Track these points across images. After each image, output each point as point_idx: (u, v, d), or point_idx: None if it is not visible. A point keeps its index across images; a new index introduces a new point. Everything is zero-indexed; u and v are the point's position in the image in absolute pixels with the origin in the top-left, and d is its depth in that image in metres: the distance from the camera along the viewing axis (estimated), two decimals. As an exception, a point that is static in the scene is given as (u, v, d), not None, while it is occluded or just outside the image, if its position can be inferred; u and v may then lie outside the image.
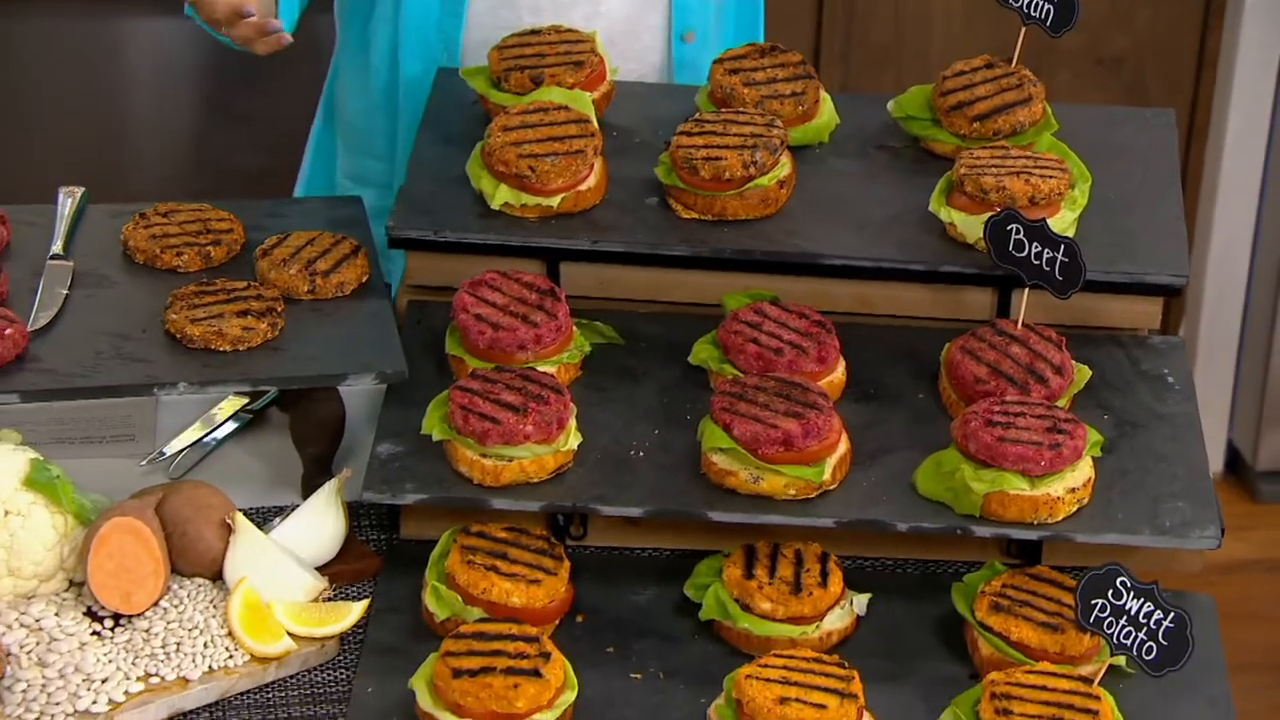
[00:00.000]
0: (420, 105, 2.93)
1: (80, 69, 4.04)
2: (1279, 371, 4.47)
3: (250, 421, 2.73)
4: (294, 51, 2.76)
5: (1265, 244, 4.44)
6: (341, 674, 2.40)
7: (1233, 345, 4.55)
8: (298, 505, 2.53)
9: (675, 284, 2.68)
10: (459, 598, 2.41)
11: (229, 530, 2.44)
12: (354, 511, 2.57)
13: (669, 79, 3.01)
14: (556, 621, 2.44)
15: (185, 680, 2.33)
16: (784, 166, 2.65)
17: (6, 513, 2.40)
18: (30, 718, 2.26)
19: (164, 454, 2.65)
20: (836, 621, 2.44)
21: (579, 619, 2.47)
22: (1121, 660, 2.37)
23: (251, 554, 2.43)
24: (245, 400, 2.74)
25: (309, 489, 2.58)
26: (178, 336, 2.52)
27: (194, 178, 4.13)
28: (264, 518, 2.54)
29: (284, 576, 2.44)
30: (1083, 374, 2.55)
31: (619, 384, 2.60)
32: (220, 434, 2.70)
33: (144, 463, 2.65)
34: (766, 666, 2.31)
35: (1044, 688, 2.28)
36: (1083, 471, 2.43)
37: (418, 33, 2.94)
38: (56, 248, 2.65)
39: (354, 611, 2.42)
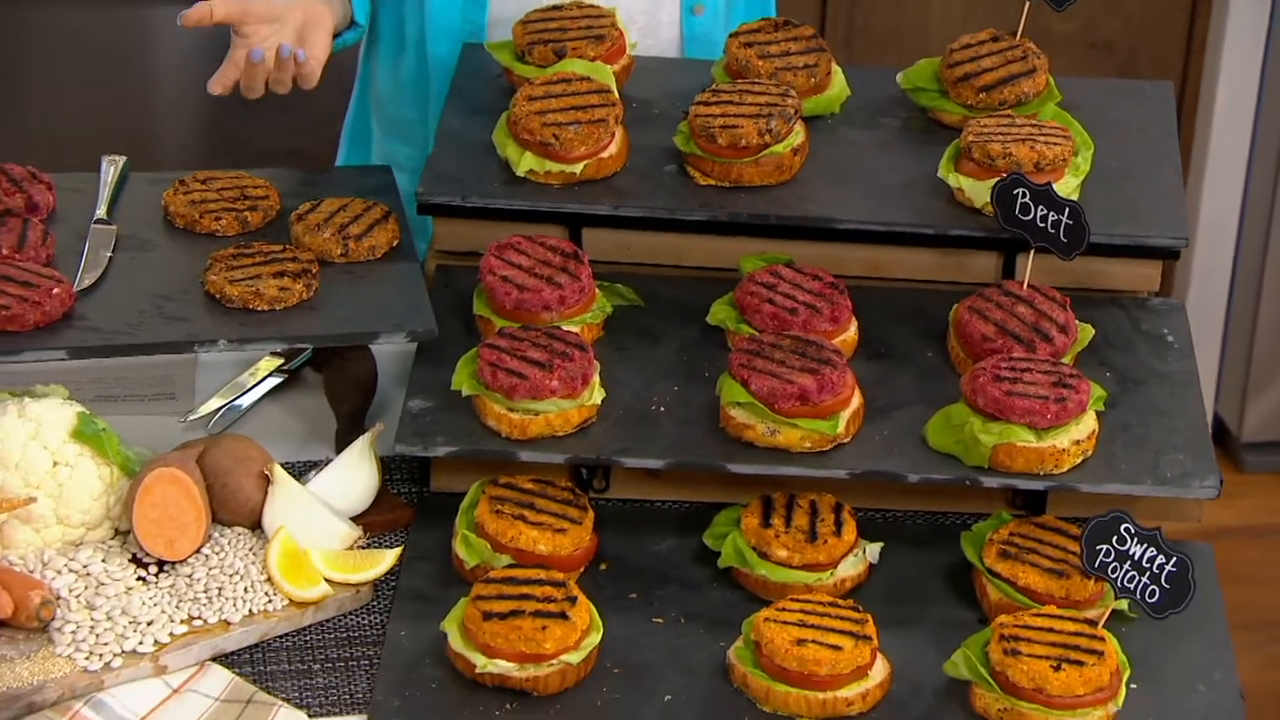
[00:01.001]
0: (447, 87, 2.93)
1: (112, 57, 4.05)
2: (1263, 347, 4.48)
3: (285, 381, 2.74)
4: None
5: (1251, 222, 4.44)
6: (376, 618, 2.40)
7: (1219, 321, 4.56)
8: (332, 460, 2.54)
9: (693, 248, 2.68)
10: (488, 545, 2.41)
11: (267, 481, 2.45)
12: (386, 466, 2.58)
13: (680, 53, 3.01)
14: (581, 569, 2.45)
15: (227, 623, 2.34)
16: (798, 135, 2.65)
17: (55, 463, 2.40)
18: (80, 657, 2.27)
19: (203, 412, 2.66)
20: (850, 569, 2.44)
21: (602, 567, 2.47)
22: (1124, 605, 2.37)
23: (289, 504, 2.44)
24: (280, 361, 2.74)
25: (343, 444, 2.58)
26: (217, 297, 2.53)
27: (227, 164, 4.13)
28: (299, 471, 2.54)
29: (320, 525, 2.44)
30: (1086, 333, 2.56)
31: (639, 343, 2.60)
32: (257, 393, 2.71)
33: (184, 420, 2.65)
34: (784, 610, 2.32)
35: (1050, 630, 2.29)
36: (1087, 424, 2.44)
37: (443, 15, 2.94)
38: (100, 213, 2.66)
39: (387, 559, 2.43)
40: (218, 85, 2.65)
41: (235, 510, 2.44)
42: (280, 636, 2.37)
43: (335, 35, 2.73)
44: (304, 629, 2.38)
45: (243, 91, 2.66)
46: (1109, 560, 2.30)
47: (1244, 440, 4.56)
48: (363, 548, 2.47)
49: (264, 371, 2.73)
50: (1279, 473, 4.59)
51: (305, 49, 2.63)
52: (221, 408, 2.67)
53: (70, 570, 2.36)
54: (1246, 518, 4.47)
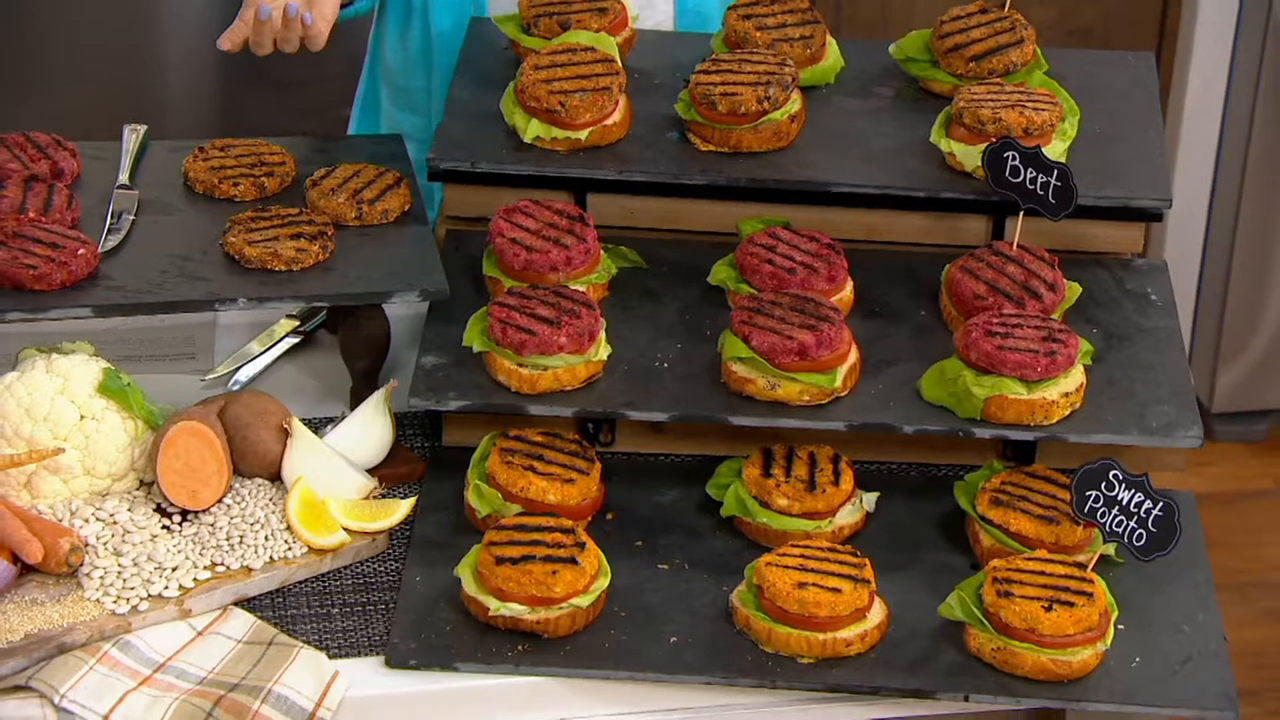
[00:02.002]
0: (451, 59, 2.92)
1: (123, 41, 4.03)
2: (1232, 323, 4.48)
3: (301, 342, 2.72)
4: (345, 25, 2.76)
5: (1220, 202, 4.44)
6: (391, 565, 2.40)
7: (1190, 297, 4.56)
8: (348, 415, 2.53)
9: (694, 212, 2.67)
10: (499, 495, 2.40)
11: (286, 434, 2.44)
12: (399, 422, 2.57)
13: (674, 27, 3.00)
14: (589, 519, 2.44)
15: (249, 569, 2.33)
16: (795, 102, 2.65)
17: (82, 417, 2.39)
18: (108, 601, 2.26)
19: (223, 371, 2.65)
20: (847, 517, 2.44)
21: (609, 517, 2.47)
22: (1111, 549, 2.37)
23: (307, 456, 2.43)
24: (297, 323, 2.73)
25: (357, 401, 2.57)
26: (236, 257, 2.52)
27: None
28: (316, 427, 2.53)
29: (337, 476, 2.43)
30: (1073, 291, 2.55)
31: (643, 303, 2.60)
32: (274, 353, 2.70)
33: (204, 379, 2.64)
34: (785, 555, 2.31)
35: (1042, 573, 2.29)
36: (1075, 377, 2.43)
37: None
38: (123, 178, 2.65)
39: (402, 508, 2.42)
40: (226, 41, 2.63)
41: (255, 462, 2.43)
42: (300, 582, 2.36)
43: (346, 4, 2.72)
44: (323, 575, 2.37)
45: (251, 48, 2.64)
46: (1098, 505, 2.30)
47: (1214, 411, 4.56)
48: (378, 498, 2.46)
49: (281, 333, 2.72)
50: (1247, 442, 4.59)
51: (313, 12, 2.62)
52: (240, 366, 2.66)
53: (97, 519, 2.35)
54: (1216, 485, 4.48)
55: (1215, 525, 4.35)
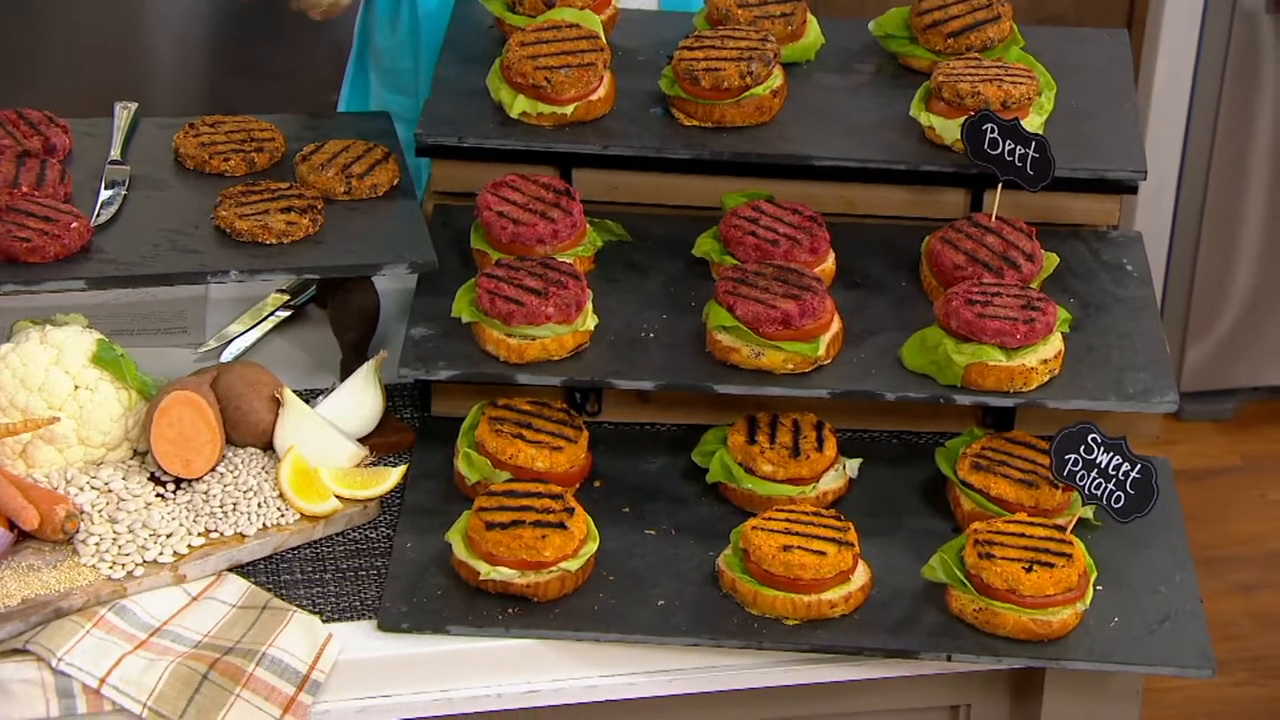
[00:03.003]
0: (438, 40, 2.91)
1: (111, 26, 4.01)
2: (1199, 305, 4.50)
3: (291, 316, 2.72)
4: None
5: (1188, 184, 4.45)
6: (383, 532, 2.39)
7: (1158, 280, 4.57)
8: (338, 386, 2.52)
9: (677, 188, 2.67)
10: (488, 462, 2.40)
11: (278, 404, 2.43)
12: (389, 393, 2.56)
13: (658, 7, 3.00)
14: (577, 486, 2.43)
15: (242, 536, 2.32)
16: (777, 78, 2.64)
17: (76, 387, 2.38)
18: (104, 566, 2.25)
19: (214, 344, 2.64)
20: (831, 483, 2.44)
21: (596, 484, 2.46)
22: (1090, 513, 2.37)
23: (299, 425, 2.42)
24: (287, 297, 2.72)
25: (347, 372, 2.56)
26: (227, 231, 2.51)
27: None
28: (307, 398, 2.52)
29: (329, 445, 2.43)
30: (1051, 261, 2.55)
31: (628, 275, 2.59)
32: (265, 326, 2.69)
33: (196, 351, 2.63)
34: (770, 519, 2.31)
35: (1022, 535, 2.29)
36: (1054, 345, 2.43)
37: None
38: (115, 154, 2.63)
39: (393, 476, 2.41)
40: None
41: (248, 431, 2.42)
42: (293, 548, 2.35)
43: None
44: (315, 541, 2.36)
45: None
46: (1077, 469, 2.30)
47: (1182, 390, 4.57)
48: (369, 466, 2.45)
49: (271, 307, 2.71)
50: (1213, 420, 4.60)
51: None
52: (232, 339, 2.65)
53: (92, 487, 2.34)
54: (1185, 462, 4.49)
55: (1184, 501, 4.32)
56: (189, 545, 2.29)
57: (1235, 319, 4.50)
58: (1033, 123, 2.60)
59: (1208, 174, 4.38)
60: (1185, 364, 4.54)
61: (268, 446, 2.43)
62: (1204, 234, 4.42)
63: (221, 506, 2.34)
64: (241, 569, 2.31)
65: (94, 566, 2.25)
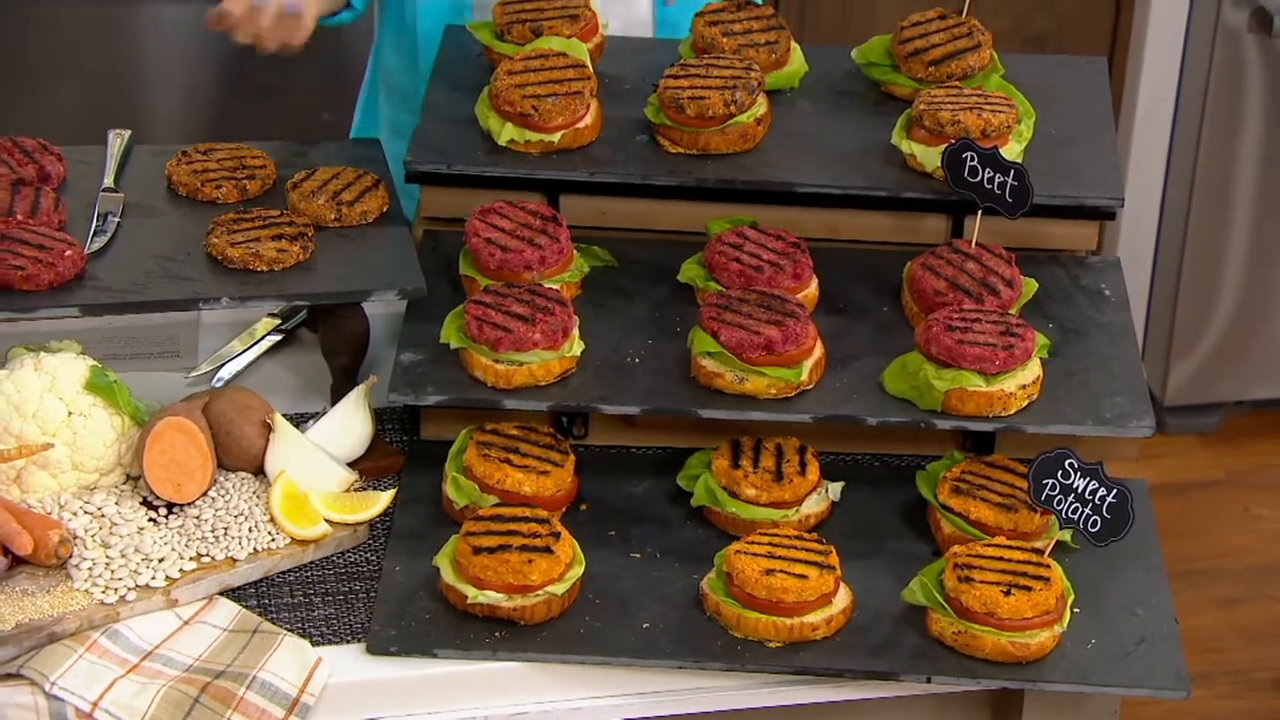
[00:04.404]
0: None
1: (110, 55, 4.02)
2: (1184, 320, 4.51)
3: (282, 341, 2.73)
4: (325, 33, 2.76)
5: (1171, 202, 4.47)
6: (372, 555, 2.41)
7: (1143, 295, 4.59)
8: (329, 410, 2.53)
9: (663, 212, 2.69)
10: (476, 487, 2.41)
11: (269, 429, 2.45)
12: (379, 417, 2.57)
13: (652, 34, 3.01)
14: (563, 510, 2.45)
15: (233, 560, 2.33)
16: (761, 106, 2.66)
17: (70, 413, 2.39)
18: (97, 591, 2.26)
19: (206, 369, 2.66)
20: (813, 506, 2.45)
21: (583, 508, 2.48)
22: (1068, 536, 2.39)
23: (289, 449, 2.43)
24: (278, 321, 2.74)
25: (338, 397, 2.58)
26: (219, 258, 2.52)
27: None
28: (297, 422, 2.53)
29: (319, 469, 2.44)
30: (1030, 287, 2.57)
31: (614, 300, 2.61)
32: (256, 351, 2.70)
33: (188, 376, 2.65)
34: (754, 543, 2.33)
35: (1000, 559, 2.31)
36: (1032, 370, 2.45)
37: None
38: (108, 181, 2.65)
39: (382, 500, 2.43)
40: (213, 18, 2.62)
41: (239, 456, 2.44)
42: (283, 572, 2.37)
43: (329, 15, 2.73)
44: (305, 565, 2.38)
45: (234, 33, 2.63)
46: (1054, 493, 2.32)
47: (1166, 404, 4.59)
48: (359, 490, 2.47)
49: (262, 331, 2.73)
50: (1198, 434, 4.62)
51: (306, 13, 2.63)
52: (223, 364, 2.67)
53: (85, 512, 2.35)
54: (1168, 476, 4.51)
55: (1168, 515, 4.38)
56: (181, 569, 2.30)
57: (1221, 333, 4.52)
58: (1012, 150, 2.61)
59: (1191, 188, 4.40)
60: (1170, 378, 4.56)
61: (259, 471, 2.45)
62: (1189, 248, 4.44)
63: (213, 531, 2.35)
64: (232, 593, 2.33)
65: (87, 591, 2.26)
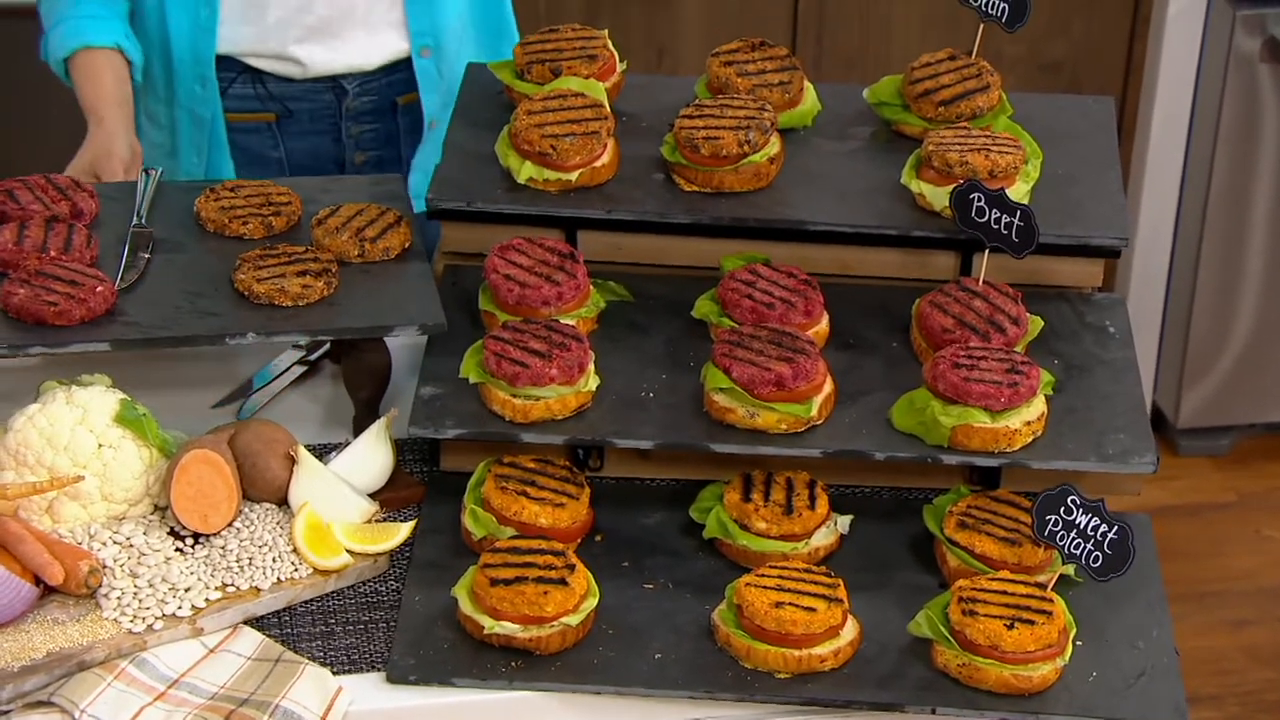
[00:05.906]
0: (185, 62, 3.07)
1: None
2: (1197, 342, 4.55)
3: (306, 372, 2.79)
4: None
5: (1184, 227, 4.51)
6: (392, 585, 2.45)
7: (1157, 318, 4.62)
8: (351, 442, 2.59)
9: (678, 249, 2.73)
10: (494, 519, 2.46)
11: (292, 461, 2.50)
12: (400, 448, 2.63)
13: (415, 90, 3.13)
14: (578, 540, 2.50)
15: (257, 590, 2.39)
16: (774, 145, 2.71)
17: (100, 445, 2.45)
18: (125, 620, 2.31)
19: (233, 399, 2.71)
20: (823, 539, 2.50)
21: (598, 539, 2.53)
22: (1071, 570, 2.43)
23: (312, 482, 2.49)
24: (302, 353, 2.79)
25: (360, 428, 2.63)
26: (245, 294, 2.58)
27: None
28: (320, 453, 2.58)
29: (341, 501, 2.49)
30: (1036, 325, 2.62)
31: (630, 335, 2.66)
32: (281, 383, 2.76)
33: (215, 406, 2.70)
34: (763, 576, 2.37)
35: (1004, 593, 2.35)
36: (1037, 407, 2.49)
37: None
38: (138, 218, 2.70)
39: (403, 531, 2.48)
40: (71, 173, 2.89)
41: (264, 488, 2.49)
42: (306, 602, 2.42)
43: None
44: (327, 595, 2.43)
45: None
46: (1057, 529, 2.36)
47: (1179, 427, 4.62)
48: (380, 522, 2.52)
49: (287, 363, 2.78)
50: (1210, 456, 4.65)
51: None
52: (249, 396, 2.72)
53: (114, 542, 2.41)
54: (1181, 497, 4.54)
55: (1180, 536, 4.42)
56: (206, 599, 2.36)
57: (1234, 357, 4.55)
58: (1019, 190, 2.66)
59: (1205, 211, 4.43)
60: (1183, 401, 4.59)
61: (283, 502, 2.50)
62: (1203, 271, 4.47)
63: (238, 561, 2.41)
64: (256, 622, 2.38)
65: (115, 620, 2.31)
